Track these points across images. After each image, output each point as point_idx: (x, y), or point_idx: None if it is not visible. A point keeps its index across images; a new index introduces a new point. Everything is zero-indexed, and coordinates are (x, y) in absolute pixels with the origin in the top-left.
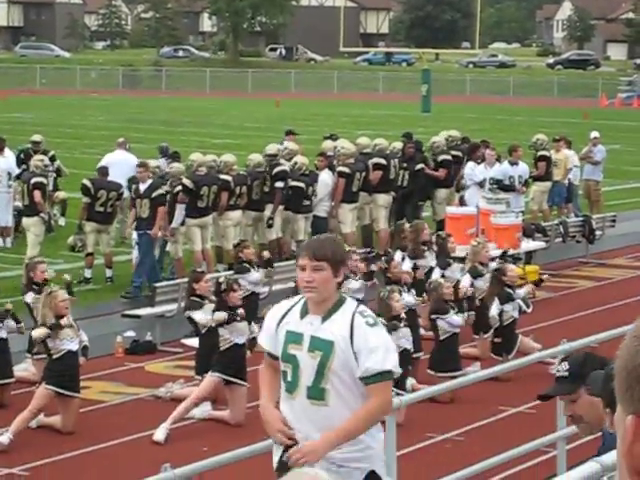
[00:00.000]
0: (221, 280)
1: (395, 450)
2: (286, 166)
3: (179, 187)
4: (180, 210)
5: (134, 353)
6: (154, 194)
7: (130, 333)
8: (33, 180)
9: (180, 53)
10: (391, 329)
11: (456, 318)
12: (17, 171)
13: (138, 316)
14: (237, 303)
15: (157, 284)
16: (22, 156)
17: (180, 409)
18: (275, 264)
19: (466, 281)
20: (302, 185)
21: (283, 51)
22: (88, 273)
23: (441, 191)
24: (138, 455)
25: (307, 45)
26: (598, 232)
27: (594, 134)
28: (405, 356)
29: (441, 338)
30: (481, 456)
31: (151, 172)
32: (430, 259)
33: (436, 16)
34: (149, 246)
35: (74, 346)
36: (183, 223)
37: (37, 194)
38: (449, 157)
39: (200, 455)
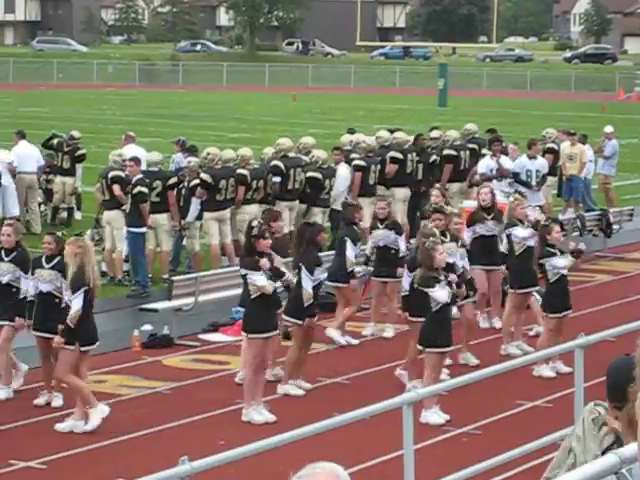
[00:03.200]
0: (254, 224)
1: (412, 444)
2: (280, 163)
3: (195, 181)
4: (195, 205)
5: (151, 347)
6: (134, 191)
7: (147, 327)
8: (111, 174)
9: (197, 47)
10: (428, 284)
11: (561, 261)
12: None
13: (155, 310)
14: (266, 251)
15: (175, 277)
16: (54, 143)
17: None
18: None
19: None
20: (318, 176)
21: (300, 45)
22: (105, 267)
23: (453, 185)
24: (155, 448)
25: (324, 39)
26: (615, 226)
27: (608, 128)
28: (444, 311)
29: (551, 280)
30: (498, 450)
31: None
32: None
33: (453, 10)
34: (133, 242)
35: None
36: (199, 217)
37: (116, 188)
38: (453, 152)
39: (217, 448)
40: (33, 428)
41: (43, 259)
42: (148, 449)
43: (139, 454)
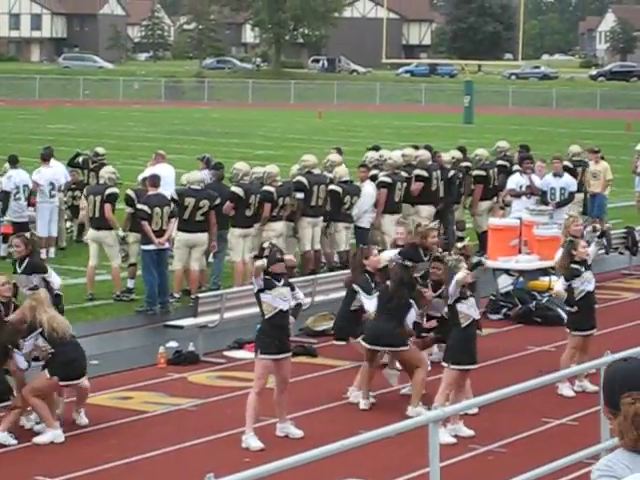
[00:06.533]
0: (265, 245)
1: (438, 461)
2: (304, 179)
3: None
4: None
5: (177, 364)
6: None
7: (173, 344)
8: (107, 192)
9: (222, 65)
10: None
11: (589, 283)
12: (63, 181)
13: (181, 327)
14: (279, 272)
15: (200, 295)
16: (79, 160)
17: None
18: (317, 275)
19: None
20: (338, 189)
21: (325, 62)
22: (131, 283)
23: (482, 203)
24: (181, 465)
25: (349, 56)
26: None
27: None
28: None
29: (577, 298)
30: (523, 468)
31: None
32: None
33: (478, 28)
34: (144, 261)
35: None
36: None
37: (108, 207)
38: (482, 172)
39: (242, 466)
40: (58, 444)
41: (17, 264)
42: (174, 466)
43: (165, 471)
